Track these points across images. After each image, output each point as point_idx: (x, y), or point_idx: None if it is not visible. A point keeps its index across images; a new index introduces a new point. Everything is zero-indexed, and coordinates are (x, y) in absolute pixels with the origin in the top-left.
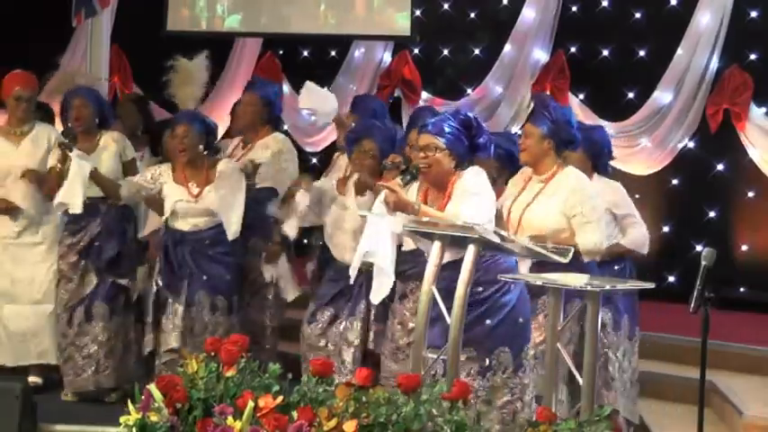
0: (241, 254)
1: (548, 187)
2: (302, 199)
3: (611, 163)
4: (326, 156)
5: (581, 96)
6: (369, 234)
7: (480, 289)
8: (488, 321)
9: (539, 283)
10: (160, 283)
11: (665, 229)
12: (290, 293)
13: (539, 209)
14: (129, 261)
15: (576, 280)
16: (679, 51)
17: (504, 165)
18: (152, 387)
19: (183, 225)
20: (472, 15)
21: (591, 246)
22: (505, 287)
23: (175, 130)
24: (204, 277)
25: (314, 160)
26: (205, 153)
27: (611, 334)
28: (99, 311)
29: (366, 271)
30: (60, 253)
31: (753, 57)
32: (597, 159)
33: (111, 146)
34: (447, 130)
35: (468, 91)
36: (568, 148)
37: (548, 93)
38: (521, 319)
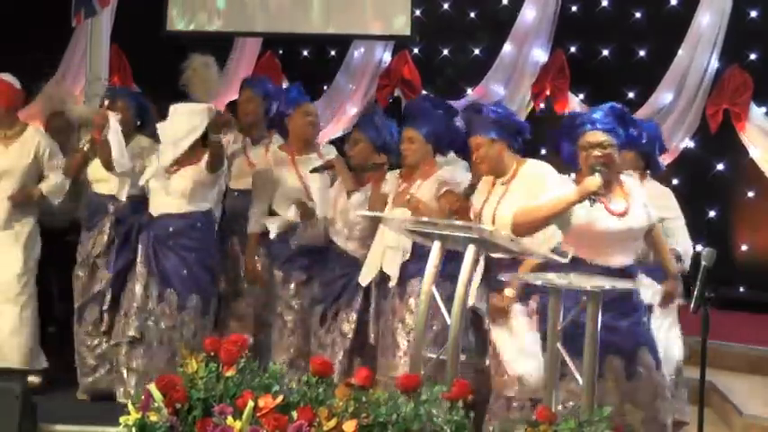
0: (209, 254)
1: (512, 185)
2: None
3: None
4: None
5: (581, 96)
6: None
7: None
8: None
9: (538, 283)
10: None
11: None
12: None
13: (507, 206)
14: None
15: (565, 278)
16: (680, 52)
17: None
18: (152, 387)
19: (153, 208)
20: (472, 15)
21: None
22: None
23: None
24: (156, 266)
25: None
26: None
27: None
28: (90, 315)
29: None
30: (78, 251)
31: (753, 57)
32: (649, 158)
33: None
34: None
35: (468, 91)
36: (519, 139)
37: (547, 93)
38: None
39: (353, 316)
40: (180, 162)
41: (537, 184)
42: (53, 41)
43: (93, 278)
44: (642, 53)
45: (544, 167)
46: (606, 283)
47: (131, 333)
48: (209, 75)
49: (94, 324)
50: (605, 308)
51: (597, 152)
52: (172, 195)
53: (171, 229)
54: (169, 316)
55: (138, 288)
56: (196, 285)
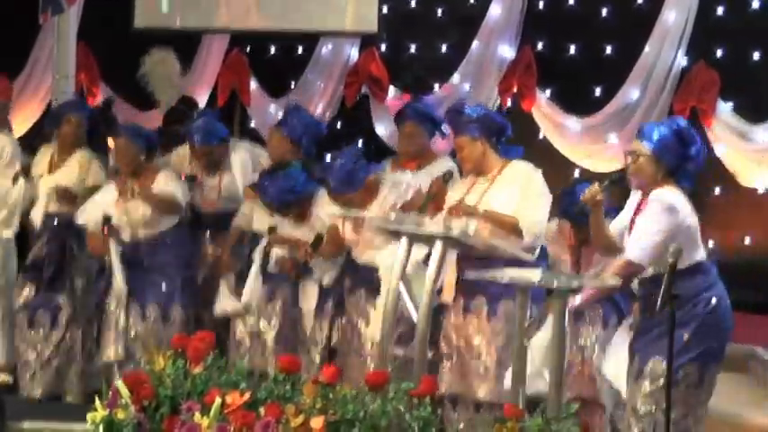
0: (186, 265)
1: (497, 182)
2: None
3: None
4: None
5: (548, 92)
6: None
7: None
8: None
9: (505, 280)
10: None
11: None
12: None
13: (491, 202)
14: (68, 276)
15: (532, 275)
16: (646, 48)
17: None
18: (119, 384)
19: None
20: (439, 12)
21: (531, 224)
22: None
23: (115, 141)
24: (133, 285)
25: None
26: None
27: (599, 330)
28: (41, 321)
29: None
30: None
31: (719, 53)
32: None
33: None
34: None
35: (436, 87)
36: (501, 137)
37: (513, 93)
38: None
39: (325, 324)
40: (132, 192)
41: (527, 180)
42: (20, 40)
43: (21, 291)
44: (609, 50)
45: (533, 167)
46: (573, 280)
47: (120, 356)
48: (167, 70)
49: (46, 330)
50: None
51: None
52: (134, 225)
53: (142, 252)
54: (156, 333)
55: (120, 311)
56: (177, 297)
